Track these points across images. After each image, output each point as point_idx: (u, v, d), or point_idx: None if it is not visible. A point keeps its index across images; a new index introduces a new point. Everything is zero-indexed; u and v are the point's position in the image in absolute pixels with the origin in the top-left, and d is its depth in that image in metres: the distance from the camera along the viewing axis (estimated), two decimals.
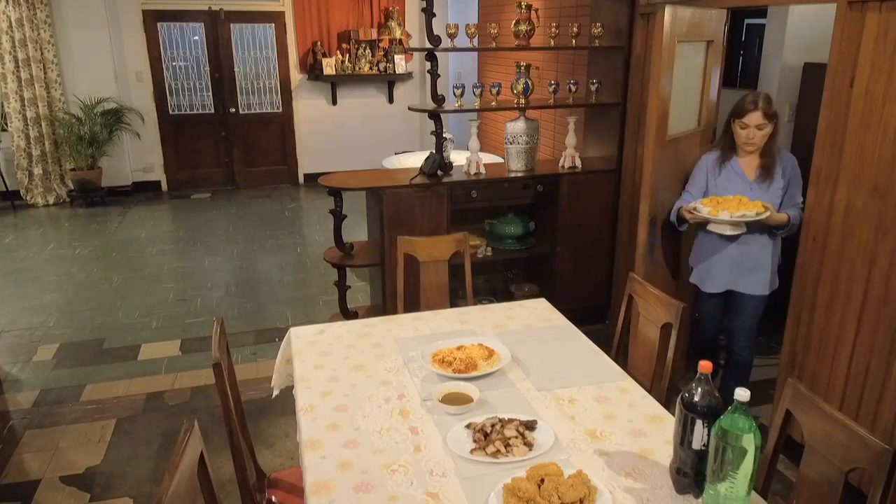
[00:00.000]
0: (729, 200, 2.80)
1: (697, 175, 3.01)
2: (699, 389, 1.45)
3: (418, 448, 1.70)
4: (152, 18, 7.62)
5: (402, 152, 6.37)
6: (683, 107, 3.15)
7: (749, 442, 1.32)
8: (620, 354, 2.40)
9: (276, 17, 7.93)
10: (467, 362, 2.07)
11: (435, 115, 3.78)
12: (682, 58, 2.94)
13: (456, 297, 3.62)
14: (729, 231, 2.78)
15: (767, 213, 2.69)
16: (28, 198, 7.41)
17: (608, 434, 1.77)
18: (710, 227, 2.84)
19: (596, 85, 3.97)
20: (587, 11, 4.31)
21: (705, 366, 1.46)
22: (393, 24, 8.07)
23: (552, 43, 3.88)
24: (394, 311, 2.94)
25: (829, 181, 2.55)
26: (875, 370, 2.43)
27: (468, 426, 1.77)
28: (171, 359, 3.93)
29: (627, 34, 3.83)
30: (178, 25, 7.79)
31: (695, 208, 2.82)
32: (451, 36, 3.65)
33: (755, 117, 2.73)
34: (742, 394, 1.33)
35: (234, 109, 8.09)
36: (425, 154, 4.03)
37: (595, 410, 1.89)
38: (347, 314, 3.96)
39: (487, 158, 4.76)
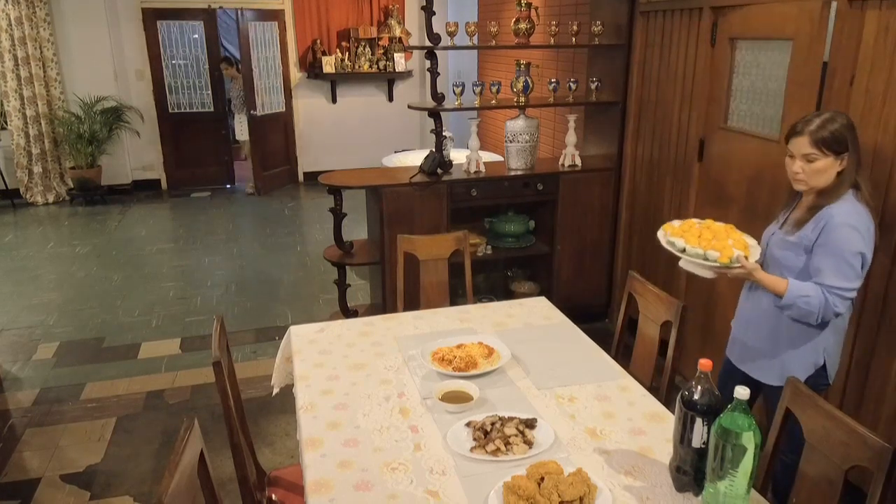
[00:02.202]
0: (713, 228, 2.11)
1: None
2: (699, 388, 1.45)
3: (418, 446, 1.71)
4: (152, 16, 7.61)
5: (402, 151, 6.37)
6: None
7: (749, 440, 1.32)
8: (620, 353, 2.40)
9: (276, 16, 7.92)
10: (467, 360, 2.07)
11: (435, 114, 3.78)
12: None
13: (456, 296, 3.62)
14: (692, 270, 2.07)
15: (737, 267, 1.96)
16: (28, 196, 7.41)
17: (608, 432, 1.77)
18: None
19: (596, 83, 3.96)
20: (587, 10, 4.30)
21: (705, 364, 1.46)
22: (393, 22, 8.06)
23: (552, 41, 3.88)
24: (394, 310, 2.94)
25: None
26: (875, 369, 2.43)
27: (468, 424, 1.77)
28: (172, 357, 3.93)
29: (627, 32, 3.83)
30: (177, 24, 7.79)
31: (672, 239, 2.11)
32: (451, 34, 3.64)
33: (800, 144, 1.97)
34: (742, 392, 1.34)
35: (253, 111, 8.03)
36: (425, 152, 4.03)
37: (595, 409, 1.89)
38: (347, 312, 3.96)
39: (487, 157, 4.75)
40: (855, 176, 1.99)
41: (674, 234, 2.11)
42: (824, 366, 2.08)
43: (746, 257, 1.97)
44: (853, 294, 1.94)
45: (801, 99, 2.63)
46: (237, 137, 7.97)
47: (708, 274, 2.03)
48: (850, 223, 1.92)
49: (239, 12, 7.32)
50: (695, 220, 2.18)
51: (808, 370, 2.07)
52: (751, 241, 2.08)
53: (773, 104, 2.85)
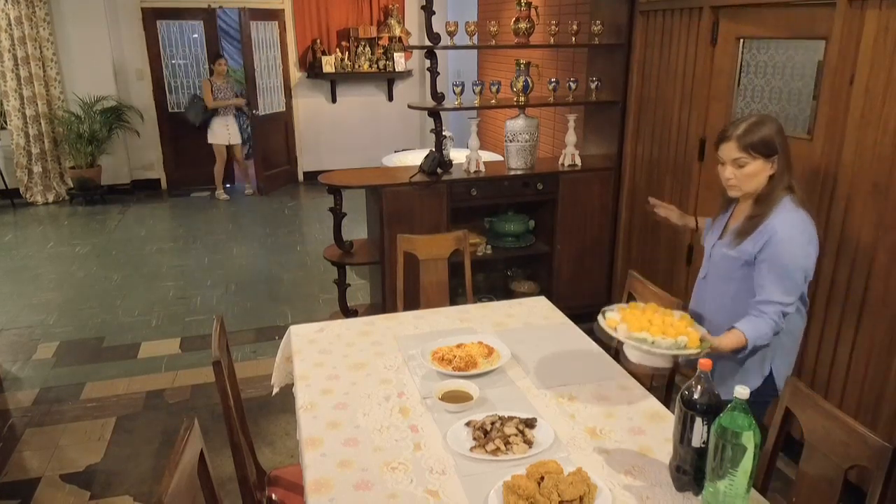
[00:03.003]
0: (655, 313, 1.90)
1: None
2: (699, 387, 1.45)
3: (418, 446, 1.71)
4: (151, 16, 7.61)
5: (402, 150, 6.37)
6: None
7: (748, 439, 1.32)
8: (621, 352, 2.40)
9: (275, 15, 7.92)
10: (467, 360, 2.07)
11: (434, 113, 3.78)
12: None
13: (456, 295, 3.62)
14: (641, 361, 1.87)
15: (696, 352, 1.77)
16: (28, 196, 7.41)
17: (608, 432, 1.77)
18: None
19: (596, 83, 3.96)
20: (587, 9, 4.30)
21: (705, 363, 1.46)
22: (392, 21, 8.06)
23: (552, 41, 3.88)
24: (394, 309, 2.94)
25: (828, 178, 2.55)
26: (875, 368, 2.43)
27: (468, 424, 1.77)
28: (171, 357, 3.93)
29: (627, 32, 3.83)
30: (177, 23, 7.79)
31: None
32: (451, 34, 3.64)
33: (729, 149, 1.95)
34: (742, 391, 1.34)
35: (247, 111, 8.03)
36: (425, 152, 4.03)
37: (595, 408, 1.89)
38: (347, 312, 3.96)
39: (487, 156, 4.75)
40: (788, 179, 1.96)
41: (628, 322, 1.85)
42: (772, 375, 2.06)
43: (701, 338, 1.82)
44: (793, 308, 1.93)
45: (834, 97, 2.57)
46: (216, 141, 7.40)
47: (666, 363, 1.85)
48: (793, 237, 1.89)
49: (241, 12, 7.32)
50: (624, 307, 1.97)
51: (756, 382, 2.05)
52: (677, 314, 1.94)
53: (796, 103, 2.83)
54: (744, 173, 1.95)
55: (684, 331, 1.80)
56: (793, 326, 2.05)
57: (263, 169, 7.85)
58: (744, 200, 2.04)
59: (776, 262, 1.90)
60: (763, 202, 1.96)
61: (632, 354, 1.84)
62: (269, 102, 7.88)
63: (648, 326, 1.81)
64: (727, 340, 1.88)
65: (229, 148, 7.49)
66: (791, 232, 1.89)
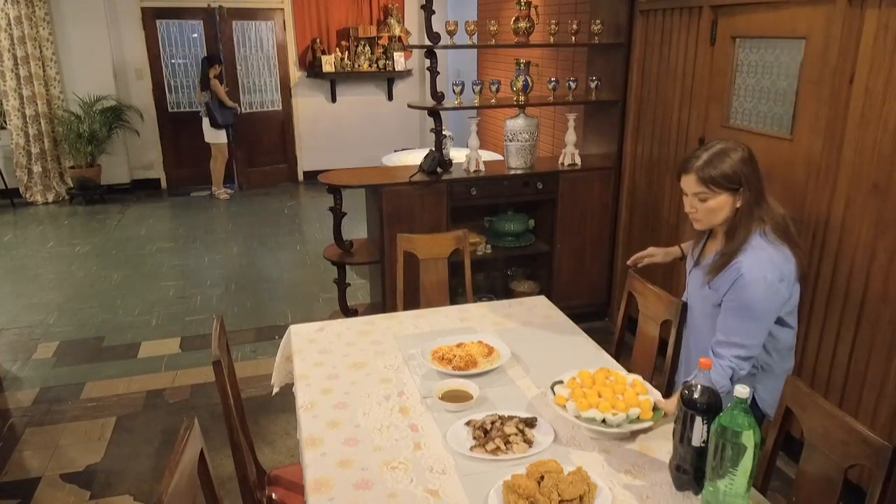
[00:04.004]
0: (605, 385, 1.82)
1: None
2: (699, 386, 1.45)
3: (418, 445, 1.71)
4: (151, 16, 7.60)
5: (402, 150, 6.37)
6: None
7: (748, 439, 1.32)
8: (620, 352, 2.40)
9: (275, 15, 7.92)
10: (467, 359, 2.07)
11: (434, 113, 3.78)
12: None
13: (456, 295, 3.62)
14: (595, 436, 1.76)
15: (649, 424, 1.72)
16: (27, 196, 7.40)
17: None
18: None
19: (596, 82, 3.96)
20: (587, 8, 4.30)
21: (705, 363, 1.46)
22: (392, 21, 8.06)
23: (552, 40, 3.88)
24: (393, 309, 2.94)
25: (828, 178, 2.55)
26: (875, 367, 2.43)
27: (468, 423, 1.77)
28: (171, 356, 3.93)
29: (627, 31, 3.82)
30: (176, 23, 7.78)
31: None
32: (451, 33, 3.64)
33: (688, 182, 1.83)
34: (742, 391, 1.34)
35: (239, 109, 8.04)
36: (425, 151, 4.03)
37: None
38: (347, 312, 3.96)
39: (487, 156, 4.75)
40: (759, 212, 1.81)
41: (576, 399, 1.76)
42: (755, 403, 1.97)
43: (654, 407, 1.75)
44: (756, 351, 1.83)
45: (814, 97, 2.60)
46: (216, 140, 7.39)
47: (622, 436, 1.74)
48: (758, 279, 1.76)
49: (217, 11, 7.34)
50: (574, 377, 1.89)
51: None
52: (630, 378, 1.88)
53: (782, 103, 2.84)
54: (706, 207, 1.82)
55: (635, 401, 1.74)
56: (779, 370, 1.96)
57: (246, 166, 7.95)
58: (718, 229, 1.91)
59: (740, 304, 1.79)
60: (732, 237, 1.83)
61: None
62: (259, 101, 7.98)
63: (597, 401, 1.74)
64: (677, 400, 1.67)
65: (219, 146, 7.47)
66: (758, 274, 1.76)
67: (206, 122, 7.28)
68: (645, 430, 1.74)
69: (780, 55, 2.82)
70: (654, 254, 2.36)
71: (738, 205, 1.81)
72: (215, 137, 7.37)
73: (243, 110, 7.77)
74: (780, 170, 2.79)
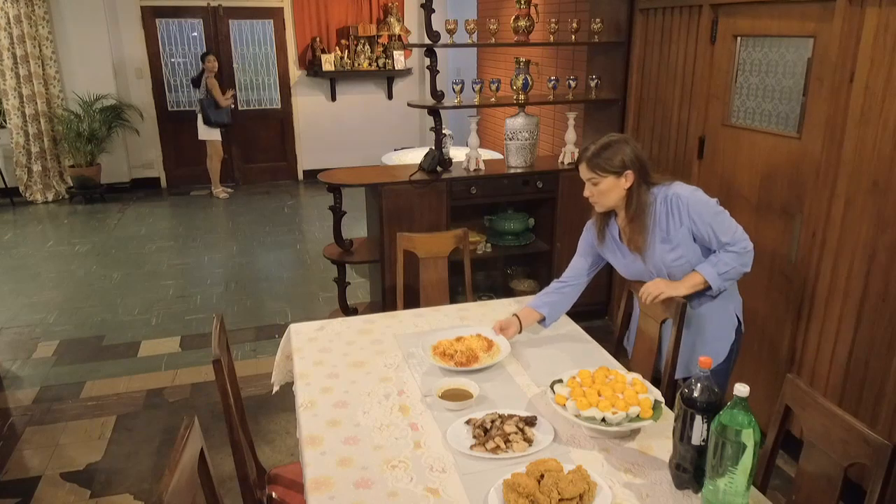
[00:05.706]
0: (605, 383, 1.83)
1: (582, 242, 2.46)
2: (699, 385, 1.45)
3: (418, 444, 1.71)
4: (151, 14, 7.60)
5: (402, 149, 6.37)
6: None
7: (748, 437, 1.32)
8: (620, 350, 2.40)
9: (274, 13, 7.91)
10: (468, 354, 2.08)
11: (434, 112, 3.78)
12: None
13: (455, 294, 3.62)
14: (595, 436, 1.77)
15: (650, 422, 1.72)
16: (27, 195, 7.40)
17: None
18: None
19: (595, 81, 3.96)
20: (587, 7, 4.30)
21: (705, 362, 1.46)
22: (392, 19, 8.05)
23: (551, 39, 3.87)
24: (393, 308, 2.94)
25: (828, 176, 2.55)
26: (874, 366, 2.43)
27: (468, 422, 1.77)
28: (171, 355, 3.93)
29: (627, 30, 3.82)
30: (176, 21, 7.78)
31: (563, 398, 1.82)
32: (451, 32, 3.64)
33: (582, 171, 2.10)
34: (742, 389, 1.34)
35: (233, 106, 8.06)
36: (424, 150, 4.03)
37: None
38: (347, 310, 3.96)
39: (487, 155, 4.75)
40: (646, 185, 2.09)
41: (576, 398, 1.77)
42: (738, 320, 2.24)
43: (654, 405, 1.76)
44: (747, 238, 2.07)
45: (822, 95, 2.57)
46: (213, 138, 7.38)
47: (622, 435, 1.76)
48: (689, 190, 2.08)
49: (211, 10, 7.34)
50: (574, 376, 1.89)
51: (730, 338, 2.22)
52: (630, 377, 1.88)
53: (787, 101, 2.82)
54: (599, 190, 2.10)
55: (635, 399, 1.75)
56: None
57: (244, 162, 7.96)
58: (620, 212, 2.17)
59: (704, 210, 2.06)
60: (633, 208, 2.10)
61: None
62: (259, 100, 8.02)
63: (597, 400, 1.75)
64: (686, 284, 2.10)
65: (213, 143, 7.44)
66: (684, 189, 2.08)
67: (199, 119, 7.29)
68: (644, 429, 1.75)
69: (784, 53, 2.81)
70: (507, 328, 2.26)
71: (627, 185, 2.08)
72: (209, 135, 7.36)
73: (241, 107, 7.77)
74: (787, 169, 2.78)
